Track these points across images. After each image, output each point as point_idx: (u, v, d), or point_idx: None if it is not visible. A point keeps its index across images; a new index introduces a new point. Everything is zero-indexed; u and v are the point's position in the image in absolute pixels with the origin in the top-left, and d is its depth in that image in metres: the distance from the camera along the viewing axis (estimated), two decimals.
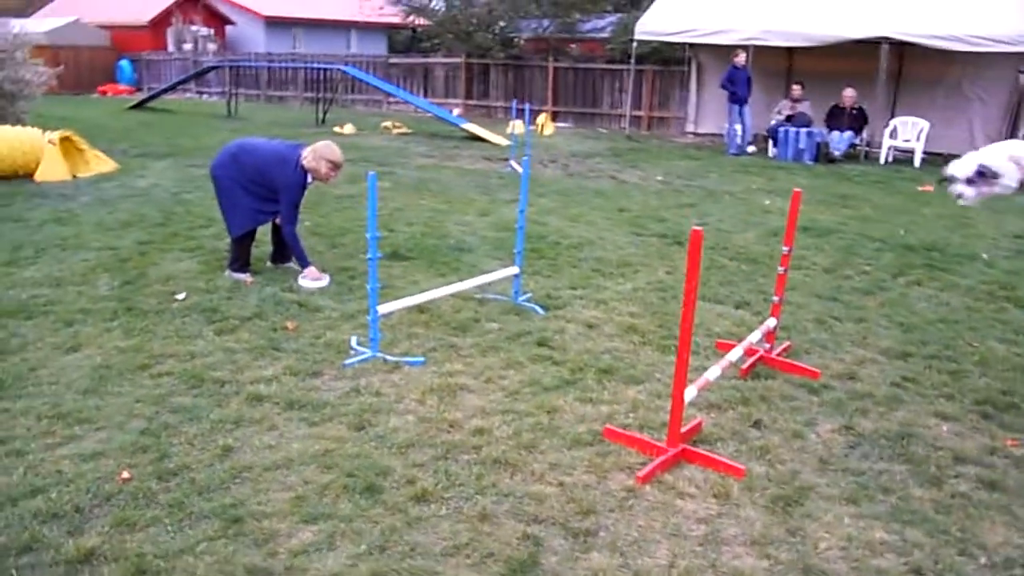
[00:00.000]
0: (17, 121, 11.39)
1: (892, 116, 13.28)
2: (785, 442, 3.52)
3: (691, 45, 15.37)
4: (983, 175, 3.35)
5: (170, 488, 3.02)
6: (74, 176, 9.22)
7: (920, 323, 5.12)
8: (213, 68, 19.57)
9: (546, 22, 20.18)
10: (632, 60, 15.35)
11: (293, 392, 3.84)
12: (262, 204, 5.42)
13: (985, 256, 6.86)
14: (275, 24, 29.21)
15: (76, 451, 3.26)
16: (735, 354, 3.91)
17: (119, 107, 18.81)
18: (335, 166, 5.29)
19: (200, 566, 2.59)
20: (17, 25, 12.66)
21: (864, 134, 12.87)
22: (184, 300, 5.07)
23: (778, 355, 4.42)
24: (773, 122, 13.06)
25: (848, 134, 12.54)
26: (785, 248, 4.29)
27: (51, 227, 6.86)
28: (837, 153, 12.45)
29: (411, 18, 21.51)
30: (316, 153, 5.26)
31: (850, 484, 3.19)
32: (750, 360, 4.30)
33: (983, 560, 2.74)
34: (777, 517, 2.94)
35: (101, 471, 3.11)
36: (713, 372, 3.65)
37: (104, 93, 22.99)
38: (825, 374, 4.27)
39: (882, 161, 12.56)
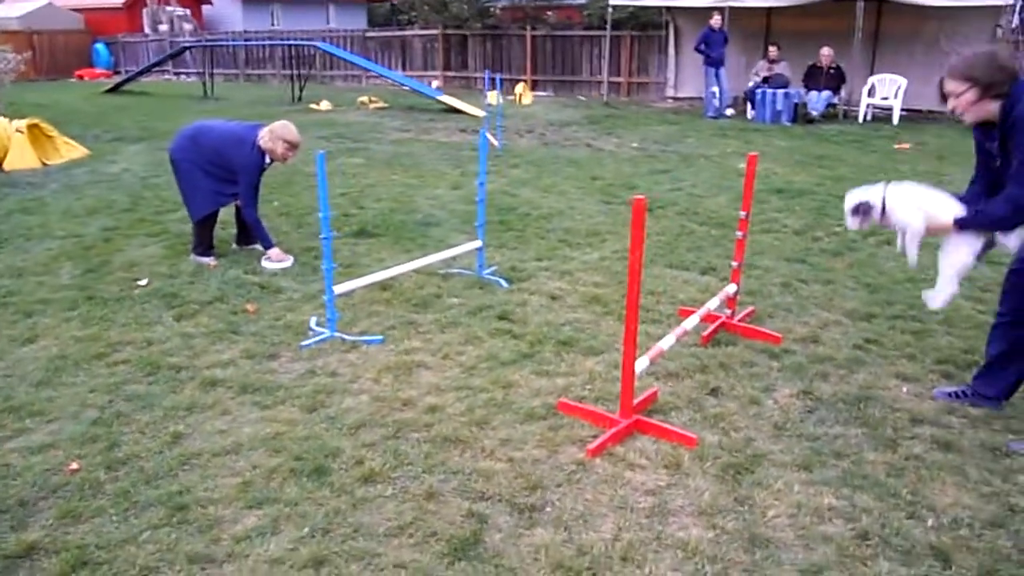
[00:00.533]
0: None
1: (871, 74, 13.15)
2: (741, 409, 3.51)
3: (667, 8, 15.18)
4: (862, 211, 3.32)
5: (118, 478, 3.00)
6: (44, 163, 9.10)
7: (887, 283, 5.10)
8: (186, 49, 19.26)
9: None
10: (608, 26, 15.16)
11: (248, 376, 3.81)
12: (222, 186, 5.35)
13: None
14: (252, 1, 28.75)
15: (26, 444, 3.22)
16: (690, 322, 3.88)
17: (95, 91, 18.54)
18: (292, 146, 5.21)
19: (141, 555, 2.57)
20: None
21: (842, 93, 12.77)
22: (146, 286, 5.02)
23: (740, 321, 4.39)
24: (751, 84, 12.94)
25: (826, 94, 12.44)
26: (743, 213, 4.24)
27: (17, 217, 6.78)
28: (815, 113, 12.36)
29: None
30: (273, 133, 5.19)
31: (804, 450, 3.18)
32: (711, 327, 4.28)
33: (931, 522, 2.73)
34: (727, 486, 2.93)
35: (50, 463, 3.08)
36: (667, 341, 3.63)
37: (81, 77, 22.64)
38: (787, 338, 4.25)
39: (860, 120, 12.47)
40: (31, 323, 4.45)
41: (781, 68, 12.80)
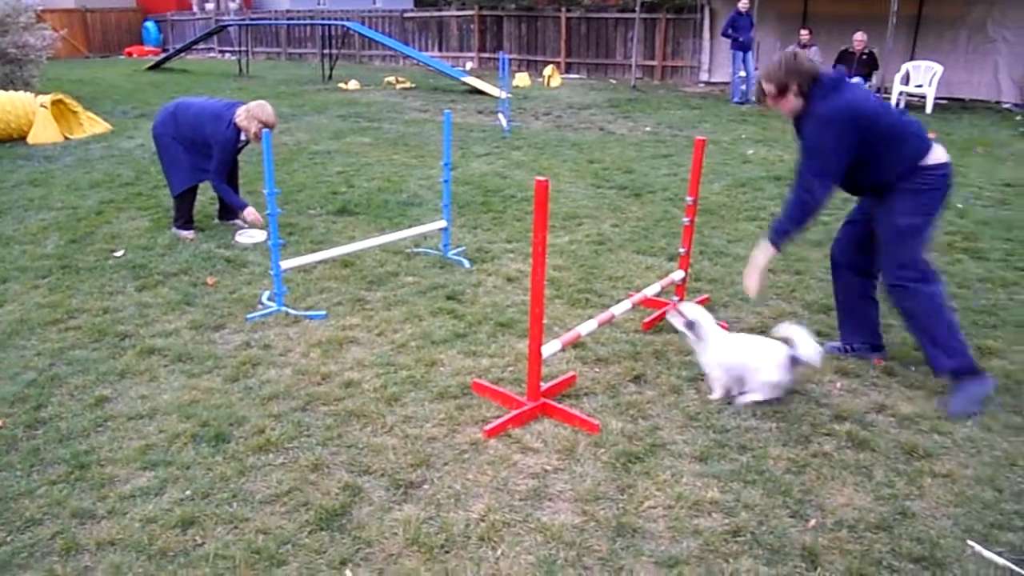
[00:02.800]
0: (26, 85, 11.67)
1: (910, 60, 12.69)
2: (659, 398, 3.46)
3: None
4: (692, 327, 3.54)
5: (35, 436, 3.12)
6: (67, 138, 9.42)
7: None
8: (224, 27, 19.63)
9: None
10: (638, 8, 14.91)
11: (187, 345, 3.91)
12: (201, 161, 5.46)
13: (960, 205, 6.57)
14: None
15: None
16: (619, 308, 3.84)
17: (138, 68, 19.05)
18: (265, 126, 5.28)
19: (31, 508, 2.68)
20: None
21: (874, 80, 12.34)
22: (120, 257, 5.18)
23: None
24: None
25: (856, 80, 12.01)
26: (690, 199, 4.17)
27: (24, 188, 7.04)
28: None
29: None
30: (249, 112, 5.28)
31: (708, 442, 3.12)
32: (656, 313, 4.24)
33: (812, 522, 2.66)
34: (614, 474, 2.90)
35: None
36: (587, 326, 3.60)
37: (130, 55, 23.29)
38: (735, 328, 4.16)
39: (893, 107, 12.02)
40: (2, 289, 4.64)
41: (812, 53, 12.39)
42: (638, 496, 2.78)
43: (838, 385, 3.63)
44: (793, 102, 3.38)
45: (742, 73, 12.76)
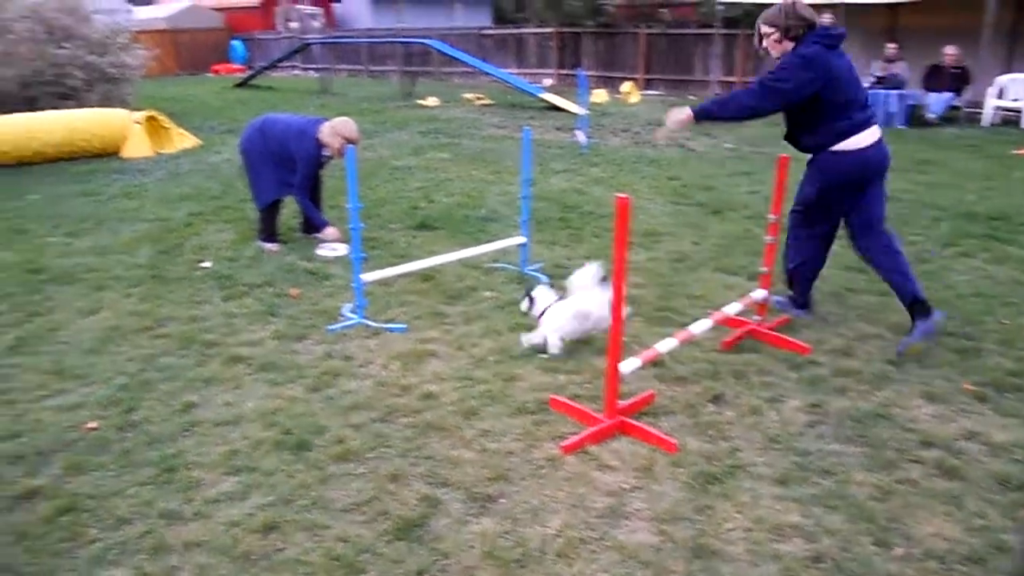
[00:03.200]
0: (121, 103, 12.27)
1: (1007, 73, 12.13)
2: (739, 419, 3.39)
3: None
4: (531, 300, 4.10)
5: (126, 438, 3.26)
6: (158, 152, 9.87)
7: (950, 297, 4.74)
8: (307, 46, 20.25)
9: None
10: (718, 24, 14.74)
11: (270, 355, 4.02)
12: (286, 175, 5.63)
13: None
14: (380, 0, 29.79)
15: (60, 403, 3.56)
16: (700, 327, 3.77)
17: (226, 86, 19.83)
18: (349, 142, 5.42)
19: (122, 507, 2.80)
20: (121, 12, 13.47)
21: (967, 94, 11.84)
22: (207, 268, 5.38)
23: (770, 328, 4.23)
24: (865, 84, 12.23)
25: (947, 95, 11.58)
26: (772, 216, 4.09)
27: (119, 201, 7.40)
28: (933, 116, 11.53)
29: None
30: (333, 128, 5.44)
31: (789, 465, 3.04)
32: (736, 333, 4.15)
33: (899, 551, 2.56)
34: (692, 494, 2.85)
35: (73, 421, 3.39)
36: (666, 344, 3.55)
37: (217, 72, 24.28)
38: (818, 349, 4.06)
39: (986, 123, 11.52)
40: (98, 297, 4.88)
41: (899, 68, 12.03)
42: (717, 518, 2.72)
43: (925, 411, 3.47)
44: (786, 46, 3.76)
45: None
